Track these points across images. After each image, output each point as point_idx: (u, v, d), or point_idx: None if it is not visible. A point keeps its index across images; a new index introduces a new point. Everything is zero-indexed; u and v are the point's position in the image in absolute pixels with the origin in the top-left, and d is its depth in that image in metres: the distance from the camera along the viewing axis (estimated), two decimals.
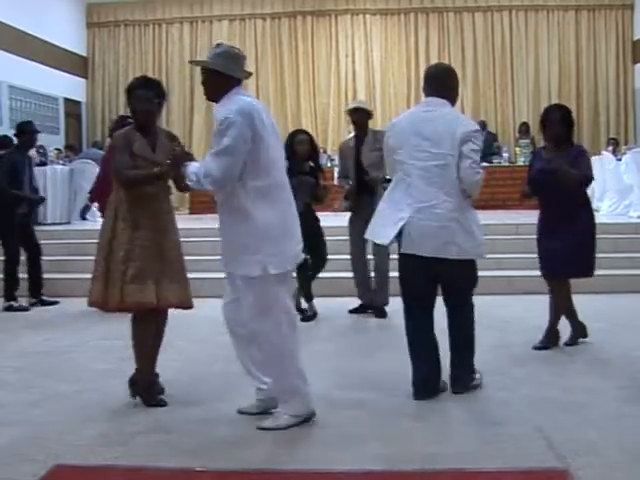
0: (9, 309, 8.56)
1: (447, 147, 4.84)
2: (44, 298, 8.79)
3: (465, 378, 5.09)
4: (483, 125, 16.89)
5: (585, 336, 6.43)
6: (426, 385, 4.98)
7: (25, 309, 8.53)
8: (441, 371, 5.04)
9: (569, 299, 6.37)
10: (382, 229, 5.05)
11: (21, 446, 4.16)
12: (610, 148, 15.23)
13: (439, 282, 5.07)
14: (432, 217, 4.83)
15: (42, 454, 4.01)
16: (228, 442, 4.24)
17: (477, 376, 5.18)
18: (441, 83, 5.07)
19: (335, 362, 6.04)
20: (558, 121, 6.15)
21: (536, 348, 6.22)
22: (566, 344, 6.33)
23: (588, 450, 3.96)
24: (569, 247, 6.04)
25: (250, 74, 4.73)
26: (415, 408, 4.79)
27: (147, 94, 4.92)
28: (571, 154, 6.13)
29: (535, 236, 6.37)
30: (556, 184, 5.98)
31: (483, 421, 4.51)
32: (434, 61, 18.11)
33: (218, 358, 5.87)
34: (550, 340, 6.28)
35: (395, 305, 7.60)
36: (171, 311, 4.97)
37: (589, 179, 6.16)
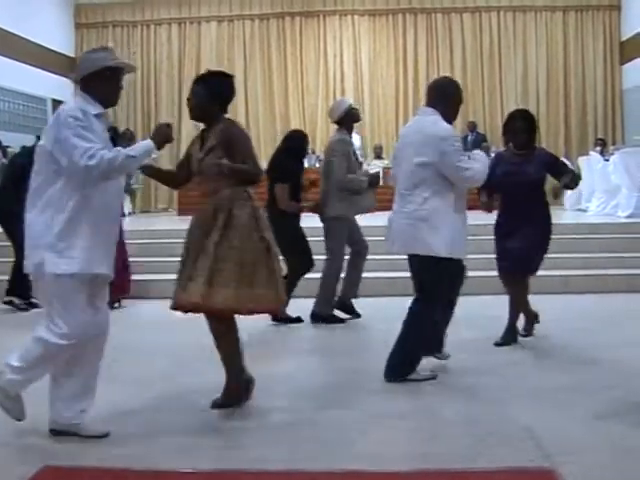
0: (9, 303, 8.55)
1: (424, 152, 5.16)
2: (33, 301, 8.70)
3: (396, 369, 5.30)
4: (473, 126, 16.96)
5: (538, 321, 6.52)
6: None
7: (24, 309, 8.47)
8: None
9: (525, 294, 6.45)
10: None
11: (11, 447, 4.16)
12: (598, 149, 15.29)
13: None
14: (403, 216, 5.26)
15: (31, 455, 4.00)
16: (216, 443, 4.24)
17: (415, 375, 5.33)
18: (432, 94, 5.43)
19: (322, 362, 6.05)
20: (525, 130, 6.26)
21: (497, 344, 6.28)
22: (522, 335, 6.43)
23: (576, 449, 3.97)
24: (527, 246, 6.13)
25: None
26: (404, 408, 4.80)
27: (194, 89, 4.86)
28: (538, 159, 6.24)
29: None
30: (521, 187, 6.11)
31: (471, 421, 4.52)
32: (422, 62, 18.27)
33: (206, 359, 5.85)
34: (511, 336, 6.36)
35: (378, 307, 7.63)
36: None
37: (577, 176, 6.34)
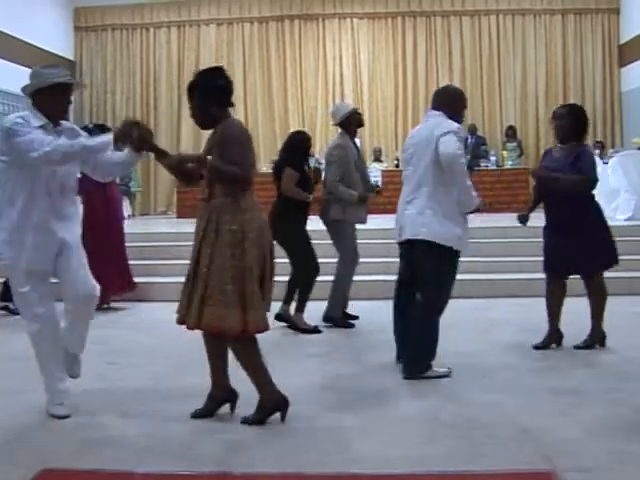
0: (4, 309, 8.53)
1: (429, 150, 5.39)
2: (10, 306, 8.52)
3: (409, 366, 5.45)
4: (474, 129, 16.94)
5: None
6: (397, 360, 5.70)
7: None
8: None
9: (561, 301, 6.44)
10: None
11: (9, 450, 4.15)
12: (597, 151, 15.26)
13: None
14: (411, 207, 5.48)
15: (29, 458, 4.00)
16: (214, 446, 4.24)
17: (431, 372, 5.44)
18: (438, 99, 5.69)
19: (322, 365, 6.05)
20: (564, 115, 6.22)
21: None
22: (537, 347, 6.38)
23: (575, 452, 3.97)
24: (570, 245, 6.17)
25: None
26: (403, 411, 4.80)
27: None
28: (574, 153, 6.19)
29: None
30: (555, 191, 6.12)
31: (470, 423, 4.52)
32: (421, 65, 18.29)
33: (204, 361, 5.84)
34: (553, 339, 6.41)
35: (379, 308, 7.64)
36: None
37: (591, 180, 6.20)
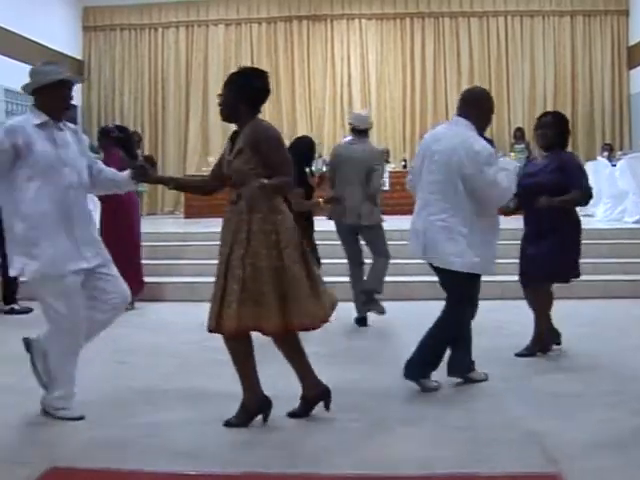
0: (11, 312, 8.55)
1: (451, 164, 5.11)
2: (15, 307, 8.69)
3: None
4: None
5: (559, 343, 6.39)
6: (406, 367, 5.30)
7: (27, 311, 8.47)
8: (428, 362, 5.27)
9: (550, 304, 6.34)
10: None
11: (16, 448, 4.17)
12: (605, 154, 15.26)
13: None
14: (437, 230, 5.14)
15: (37, 456, 4.02)
16: (223, 445, 4.25)
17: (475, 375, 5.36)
18: (466, 104, 5.36)
19: (329, 366, 6.05)
20: (548, 124, 6.18)
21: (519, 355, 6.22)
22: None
23: (581, 454, 3.97)
24: (541, 252, 6.07)
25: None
26: (409, 413, 4.80)
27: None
28: (556, 161, 6.07)
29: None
30: (531, 190, 5.99)
31: (476, 426, 4.52)
32: (430, 66, 18.24)
33: (211, 362, 5.86)
34: (537, 346, 6.26)
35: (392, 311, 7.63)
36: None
37: (587, 191, 6.08)
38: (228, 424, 4.51)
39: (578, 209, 6.24)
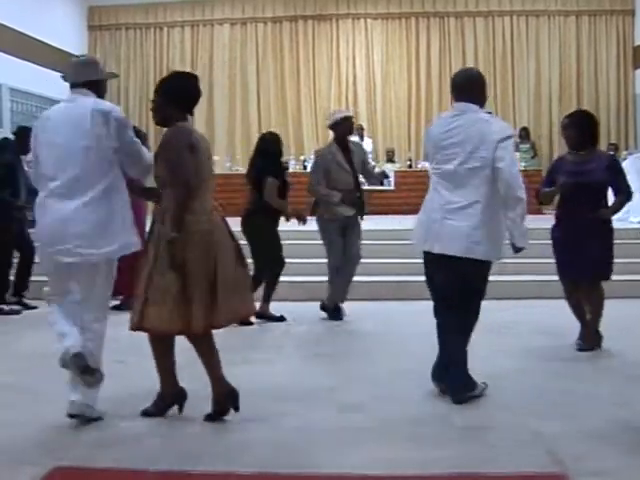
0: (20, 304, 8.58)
1: (478, 150, 4.89)
2: (25, 302, 8.74)
3: (463, 388, 5.04)
4: None
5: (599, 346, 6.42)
6: (433, 374, 5.16)
7: (16, 312, 8.46)
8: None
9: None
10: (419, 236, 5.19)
11: (21, 448, 4.17)
12: (610, 153, 15.21)
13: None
14: (461, 218, 4.91)
15: (41, 456, 4.01)
16: (227, 445, 4.24)
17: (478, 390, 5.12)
18: (466, 87, 5.19)
19: (333, 365, 6.05)
20: (567, 126, 6.29)
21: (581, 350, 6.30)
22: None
23: (587, 455, 3.96)
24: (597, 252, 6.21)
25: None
26: (415, 412, 4.79)
27: None
28: (602, 163, 6.23)
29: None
30: (584, 191, 6.11)
31: (482, 426, 4.51)
32: (435, 66, 18.21)
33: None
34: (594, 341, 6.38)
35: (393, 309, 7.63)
36: None
37: (630, 196, 6.47)
38: (145, 413, 4.65)
39: None
